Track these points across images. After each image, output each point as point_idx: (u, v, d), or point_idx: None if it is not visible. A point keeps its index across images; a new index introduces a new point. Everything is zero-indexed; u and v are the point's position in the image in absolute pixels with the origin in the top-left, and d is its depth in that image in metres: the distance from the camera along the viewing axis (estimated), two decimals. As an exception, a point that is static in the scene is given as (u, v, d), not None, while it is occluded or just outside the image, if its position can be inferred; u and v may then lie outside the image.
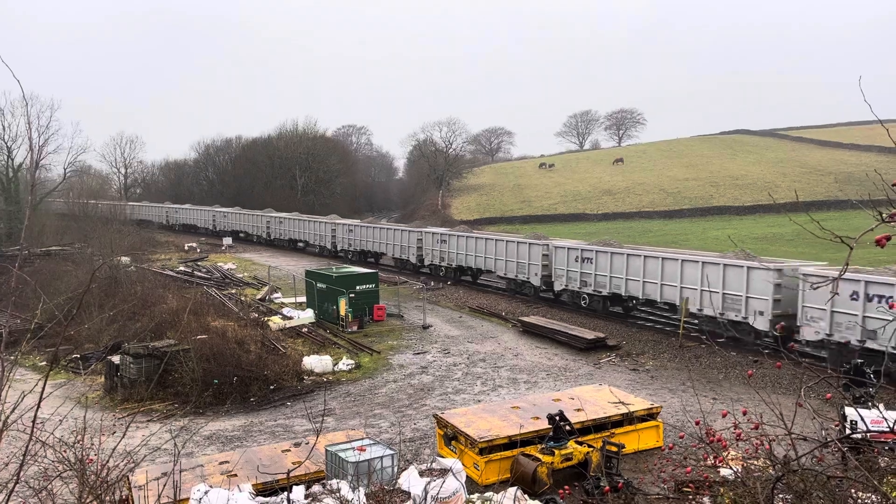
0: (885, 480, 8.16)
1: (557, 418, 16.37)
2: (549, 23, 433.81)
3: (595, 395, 19.49)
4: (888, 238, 3.33)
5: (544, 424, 16.71)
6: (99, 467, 7.17)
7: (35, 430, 5.73)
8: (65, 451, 7.72)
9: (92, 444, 7.99)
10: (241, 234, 76.84)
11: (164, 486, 10.54)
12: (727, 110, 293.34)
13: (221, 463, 15.66)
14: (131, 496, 13.64)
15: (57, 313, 19.40)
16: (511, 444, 16.48)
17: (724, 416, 5.86)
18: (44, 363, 29.46)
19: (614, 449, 15.65)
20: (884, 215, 3.33)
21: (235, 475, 14.58)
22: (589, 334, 30.00)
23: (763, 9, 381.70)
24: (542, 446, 16.01)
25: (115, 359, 25.72)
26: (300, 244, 67.95)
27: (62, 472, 7.52)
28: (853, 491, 6.32)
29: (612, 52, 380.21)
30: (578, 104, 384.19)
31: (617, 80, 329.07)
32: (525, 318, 33.81)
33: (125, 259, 48.02)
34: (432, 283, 45.08)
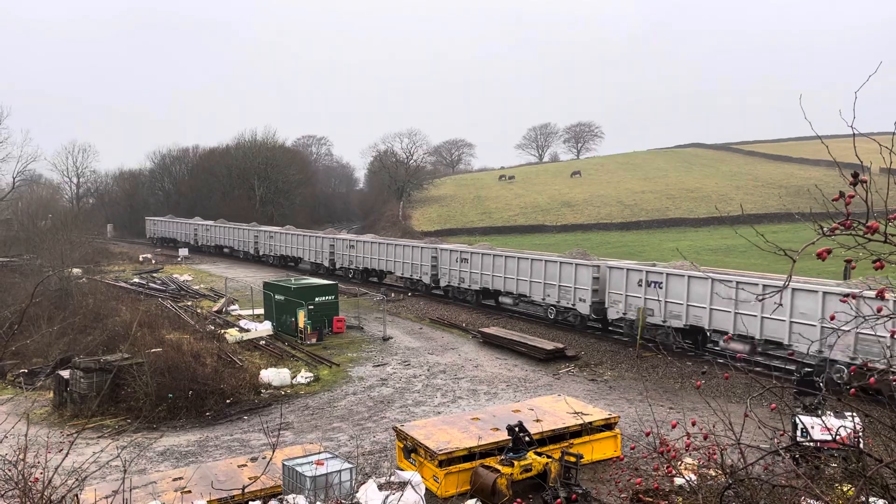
0: (834, 487, 8.37)
1: (517, 429, 16.44)
2: (509, 37, 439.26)
3: (554, 406, 19.63)
4: (829, 251, 3.45)
5: (504, 436, 16.75)
6: (44, 486, 6.96)
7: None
8: (8, 470, 7.47)
9: (37, 462, 7.74)
10: (226, 250, 72.26)
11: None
12: (682, 125, 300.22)
13: (175, 479, 15.32)
14: (80, 515, 13.24)
15: (-1, 328, 18.86)
16: (471, 455, 16.47)
17: (673, 426, 5.95)
18: (-11, 378, 28.49)
19: (573, 459, 15.77)
20: (824, 229, 3.44)
21: (189, 492, 14.27)
22: (548, 345, 30.21)
23: (721, 25, 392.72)
24: (502, 458, 16.05)
25: (65, 373, 24.99)
26: (291, 262, 61.10)
27: (5, 492, 7.27)
28: (802, 499, 6.47)
29: (572, 66, 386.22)
30: (538, 117, 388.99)
31: (576, 93, 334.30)
32: (485, 330, 33.91)
33: (77, 270, 46.79)
34: (392, 295, 44.92)
